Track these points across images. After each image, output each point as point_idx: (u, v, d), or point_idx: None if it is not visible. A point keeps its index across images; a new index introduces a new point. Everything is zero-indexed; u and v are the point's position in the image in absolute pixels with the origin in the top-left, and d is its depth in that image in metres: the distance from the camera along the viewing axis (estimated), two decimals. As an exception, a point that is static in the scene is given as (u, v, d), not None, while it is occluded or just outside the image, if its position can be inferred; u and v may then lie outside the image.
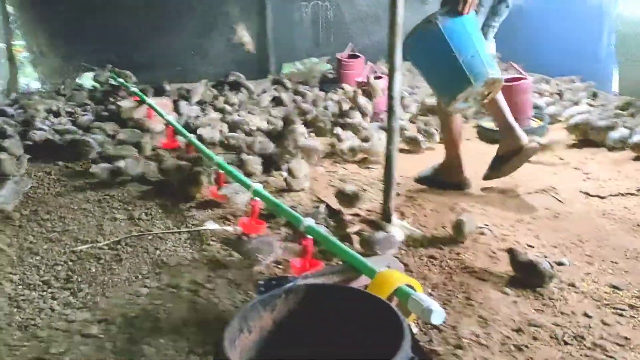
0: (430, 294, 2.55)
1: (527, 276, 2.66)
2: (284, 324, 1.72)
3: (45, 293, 2.60)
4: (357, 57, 6.39)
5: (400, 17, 2.96)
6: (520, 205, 3.61)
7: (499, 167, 3.83)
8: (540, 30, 6.69)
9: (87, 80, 6.50)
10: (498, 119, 3.89)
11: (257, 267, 2.76)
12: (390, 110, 3.11)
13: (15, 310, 2.46)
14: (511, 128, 3.77)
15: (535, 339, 2.26)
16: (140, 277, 2.74)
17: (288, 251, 2.89)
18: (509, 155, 3.77)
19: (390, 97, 3.08)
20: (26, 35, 6.51)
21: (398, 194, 3.57)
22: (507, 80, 4.93)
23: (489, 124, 4.99)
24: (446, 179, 3.90)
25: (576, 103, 5.50)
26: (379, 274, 2.08)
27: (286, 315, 1.73)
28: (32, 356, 2.15)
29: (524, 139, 3.74)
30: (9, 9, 6.33)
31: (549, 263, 2.66)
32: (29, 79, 6.84)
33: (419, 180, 3.98)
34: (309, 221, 2.66)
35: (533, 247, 3.03)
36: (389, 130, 3.15)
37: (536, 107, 5.27)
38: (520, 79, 4.97)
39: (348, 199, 3.44)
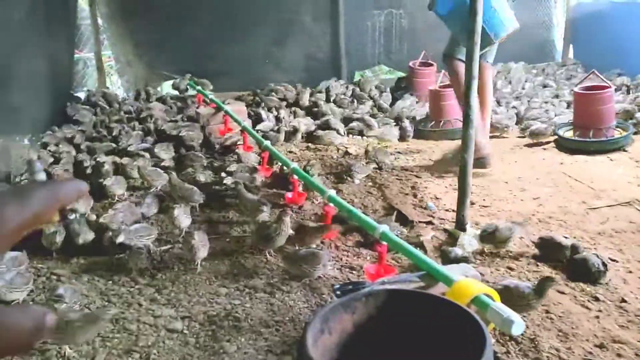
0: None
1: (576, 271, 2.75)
2: (364, 327, 1.76)
3: (132, 289, 2.75)
4: (430, 65, 6.35)
5: (479, 25, 2.95)
6: (602, 217, 3.47)
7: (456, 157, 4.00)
8: (623, 33, 6.45)
9: (167, 88, 6.81)
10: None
11: (305, 280, 2.77)
12: (466, 118, 3.09)
13: (106, 304, 2.62)
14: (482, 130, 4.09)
15: (619, 355, 2.19)
16: (219, 277, 2.85)
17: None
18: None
19: (467, 105, 3.06)
20: (113, 45, 6.91)
21: (472, 203, 3.52)
22: (588, 88, 4.80)
23: (568, 133, 4.85)
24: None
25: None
26: (457, 282, 2.07)
27: (366, 318, 1.77)
28: (122, 348, 2.29)
29: (484, 149, 4.11)
30: (99, 21, 6.74)
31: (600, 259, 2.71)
32: (114, 87, 7.25)
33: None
34: (384, 227, 2.67)
35: (617, 261, 2.92)
36: (464, 138, 3.13)
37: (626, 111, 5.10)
38: (603, 87, 4.79)
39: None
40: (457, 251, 2.93)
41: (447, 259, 2.87)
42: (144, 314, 2.52)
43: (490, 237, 3.02)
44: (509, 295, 2.27)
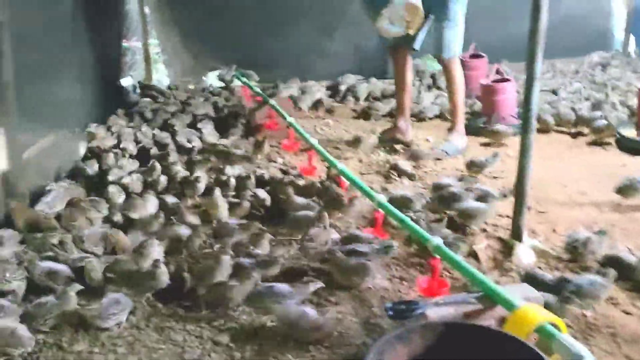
0: (569, 326, 2.35)
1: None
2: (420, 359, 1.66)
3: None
4: (481, 57, 6.09)
5: (544, 24, 2.75)
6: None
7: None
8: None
9: (212, 79, 6.79)
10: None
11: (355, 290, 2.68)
12: (526, 122, 2.91)
13: (152, 311, 2.59)
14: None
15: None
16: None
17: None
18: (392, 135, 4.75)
19: (527, 109, 2.88)
20: (160, 35, 6.92)
21: (528, 208, 3.34)
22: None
23: (630, 132, 4.58)
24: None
25: None
26: (520, 309, 1.93)
27: (422, 350, 1.67)
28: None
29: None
30: (146, 10, 6.75)
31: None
32: (161, 76, 7.29)
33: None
34: (437, 240, 2.55)
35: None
36: (523, 142, 2.95)
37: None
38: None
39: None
40: (547, 276, 2.63)
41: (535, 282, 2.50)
42: (189, 323, 2.47)
43: (578, 249, 2.87)
44: None
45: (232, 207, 3.41)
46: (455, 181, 3.64)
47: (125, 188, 3.64)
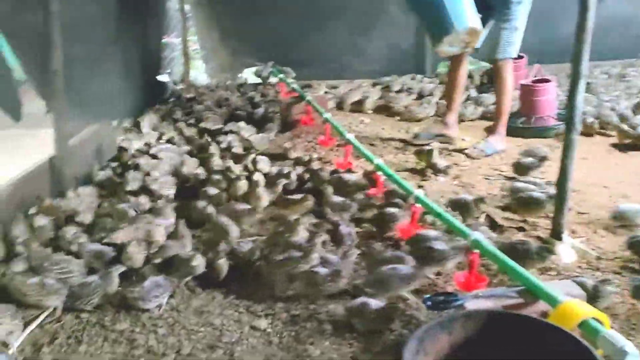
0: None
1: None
2: (461, 348, 1.65)
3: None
4: (521, 57, 6.00)
5: (591, 22, 2.71)
6: None
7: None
8: None
9: (249, 75, 6.86)
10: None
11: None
12: (570, 121, 2.86)
13: (191, 295, 2.63)
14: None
15: None
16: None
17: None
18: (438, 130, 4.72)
19: (571, 109, 2.84)
20: (199, 32, 7.03)
21: (569, 209, 3.29)
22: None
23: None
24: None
25: None
26: (563, 304, 1.91)
27: (464, 340, 1.66)
28: (206, 342, 2.29)
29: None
30: (186, 7, 6.86)
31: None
32: (198, 72, 7.40)
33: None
34: (477, 235, 2.53)
35: None
36: (566, 142, 2.91)
37: None
38: None
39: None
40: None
41: None
42: (227, 308, 2.51)
43: None
44: None
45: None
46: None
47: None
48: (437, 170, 4.05)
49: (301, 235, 2.91)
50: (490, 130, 4.67)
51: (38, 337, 2.36)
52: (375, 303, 2.32)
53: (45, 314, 2.48)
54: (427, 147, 4.20)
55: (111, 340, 2.33)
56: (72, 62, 3.58)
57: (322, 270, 2.56)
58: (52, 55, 3.33)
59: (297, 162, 4.19)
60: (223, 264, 2.73)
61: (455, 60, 4.66)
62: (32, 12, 3.32)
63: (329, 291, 2.53)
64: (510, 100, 4.61)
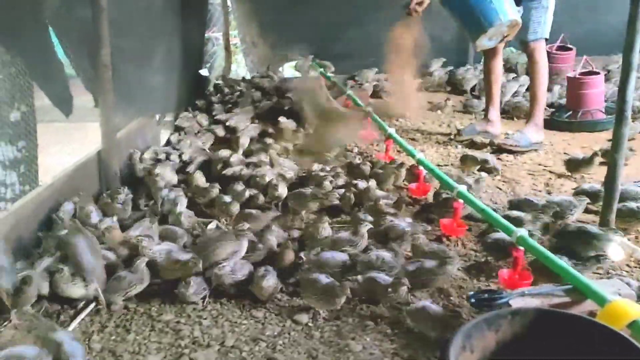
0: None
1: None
2: (508, 346, 1.63)
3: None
4: (569, 49, 5.84)
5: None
6: None
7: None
8: None
9: (289, 69, 6.88)
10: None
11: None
12: (620, 114, 2.78)
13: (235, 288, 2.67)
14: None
15: None
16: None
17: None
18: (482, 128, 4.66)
19: (622, 101, 2.75)
20: (240, 25, 7.08)
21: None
22: None
23: None
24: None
25: None
26: (612, 303, 1.86)
27: (511, 337, 1.64)
28: (250, 335, 2.32)
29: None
30: (228, 1, 6.92)
31: None
32: (238, 66, 7.46)
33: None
34: (522, 232, 2.48)
35: None
36: (615, 136, 2.82)
37: None
38: None
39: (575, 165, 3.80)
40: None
41: None
42: (270, 302, 2.54)
43: None
44: None
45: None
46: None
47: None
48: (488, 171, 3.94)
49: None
50: (526, 121, 4.55)
51: (88, 325, 2.44)
52: (434, 308, 2.24)
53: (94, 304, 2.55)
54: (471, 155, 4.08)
55: (157, 330, 2.38)
56: (120, 57, 3.66)
57: (382, 279, 2.46)
58: (101, 51, 3.41)
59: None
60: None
61: (489, 54, 4.57)
62: (81, 8, 3.40)
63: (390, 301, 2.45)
64: (546, 87, 4.47)
